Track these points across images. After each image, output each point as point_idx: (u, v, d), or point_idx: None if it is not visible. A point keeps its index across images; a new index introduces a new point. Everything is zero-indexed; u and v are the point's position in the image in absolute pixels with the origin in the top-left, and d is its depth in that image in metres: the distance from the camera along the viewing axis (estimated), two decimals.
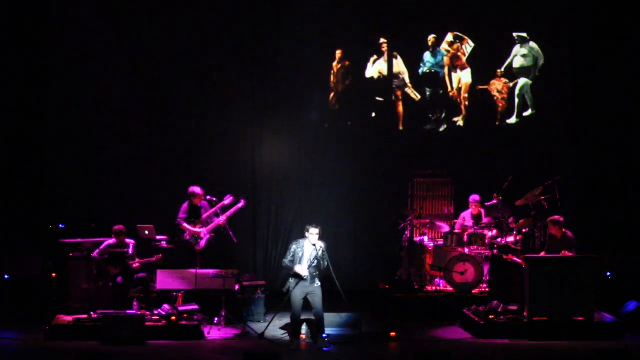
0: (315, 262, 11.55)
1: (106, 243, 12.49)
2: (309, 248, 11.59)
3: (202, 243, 13.18)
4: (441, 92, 15.73)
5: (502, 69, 15.63)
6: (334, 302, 11.98)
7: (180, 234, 13.25)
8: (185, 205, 13.30)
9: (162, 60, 15.14)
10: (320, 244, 11.57)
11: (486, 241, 13.56)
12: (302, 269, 11.48)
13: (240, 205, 13.23)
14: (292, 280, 11.60)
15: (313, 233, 11.58)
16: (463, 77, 15.67)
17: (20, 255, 13.42)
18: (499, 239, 13.34)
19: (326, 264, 11.54)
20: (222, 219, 13.11)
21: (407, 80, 15.70)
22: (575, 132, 15.39)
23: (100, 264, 12.34)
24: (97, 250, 12.44)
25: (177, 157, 15.17)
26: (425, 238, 14.17)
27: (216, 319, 12.39)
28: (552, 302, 11.76)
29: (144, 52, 15.12)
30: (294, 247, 11.68)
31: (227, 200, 13.22)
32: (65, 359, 10.14)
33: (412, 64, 15.70)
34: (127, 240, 12.55)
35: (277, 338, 11.78)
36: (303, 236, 11.72)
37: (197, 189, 13.30)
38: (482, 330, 11.87)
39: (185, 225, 13.18)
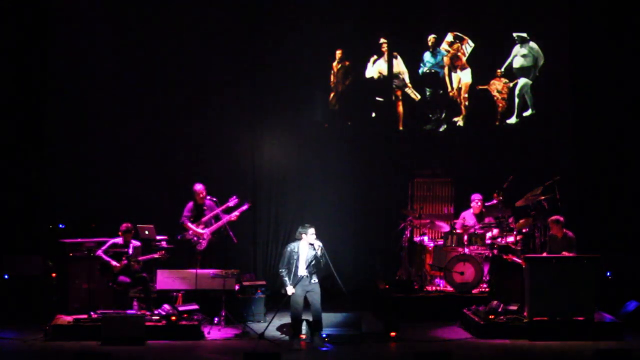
0: (314, 261, 11.56)
1: (112, 241, 12.48)
2: (304, 249, 11.59)
3: (204, 243, 13.18)
4: (441, 92, 15.73)
5: (502, 69, 15.62)
6: (334, 301, 11.97)
7: (184, 232, 13.27)
8: (190, 204, 13.33)
9: (162, 61, 15.14)
10: (319, 243, 11.57)
11: (486, 241, 13.56)
12: (290, 290, 11.55)
13: (244, 207, 13.24)
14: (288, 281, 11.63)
15: (309, 233, 11.60)
16: (463, 77, 15.66)
17: (20, 255, 13.41)
18: (499, 239, 13.33)
19: (326, 261, 11.55)
20: (225, 219, 13.11)
21: (407, 80, 15.69)
22: (575, 132, 15.39)
23: (104, 261, 12.33)
24: (102, 248, 12.44)
25: (177, 158, 15.17)
26: (425, 238, 14.16)
27: (216, 319, 12.39)
28: (552, 302, 11.76)
29: (143, 52, 15.12)
30: (288, 251, 11.69)
31: (232, 202, 13.25)
32: (65, 359, 10.13)
33: (412, 64, 15.70)
34: (133, 242, 12.54)
35: (277, 338, 11.78)
36: (295, 239, 11.72)
37: (197, 187, 13.35)
38: (482, 330, 11.86)
39: (189, 224, 13.19)
